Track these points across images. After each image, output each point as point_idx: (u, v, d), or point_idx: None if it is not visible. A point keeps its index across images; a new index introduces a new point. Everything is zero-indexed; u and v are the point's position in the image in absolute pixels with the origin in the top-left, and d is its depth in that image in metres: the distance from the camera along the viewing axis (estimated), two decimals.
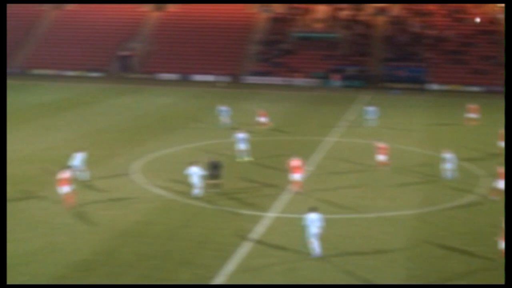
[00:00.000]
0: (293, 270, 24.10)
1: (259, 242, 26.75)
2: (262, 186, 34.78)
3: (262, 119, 51.40)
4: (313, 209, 25.36)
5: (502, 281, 20.89)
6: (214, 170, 33.33)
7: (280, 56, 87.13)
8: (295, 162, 33.39)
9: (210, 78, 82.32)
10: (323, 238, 25.23)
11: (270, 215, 30.20)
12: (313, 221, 24.90)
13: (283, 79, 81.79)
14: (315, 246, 24.93)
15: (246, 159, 40.21)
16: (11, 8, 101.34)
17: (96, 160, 38.90)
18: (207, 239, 27.12)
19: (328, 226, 25.92)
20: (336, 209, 30.98)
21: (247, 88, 76.87)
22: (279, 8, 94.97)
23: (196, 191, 32.47)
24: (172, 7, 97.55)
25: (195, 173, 32.33)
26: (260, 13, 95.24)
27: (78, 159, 34.78)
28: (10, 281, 22.77)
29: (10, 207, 31.17)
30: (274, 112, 58.34)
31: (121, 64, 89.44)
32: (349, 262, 24.68)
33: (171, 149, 43.01)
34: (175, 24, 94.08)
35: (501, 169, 30.21)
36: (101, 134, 47.49)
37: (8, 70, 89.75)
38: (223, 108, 52.17)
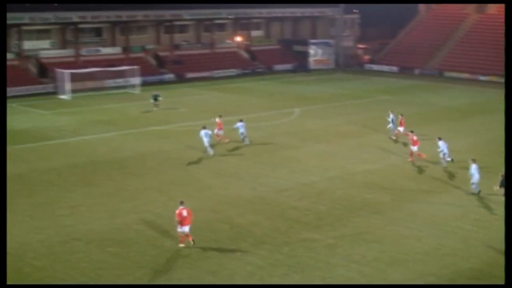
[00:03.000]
0: None
1: None
2: None
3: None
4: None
5: None
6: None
7: None
8: None
9: None
10: None
11: None
12: None
13: None
14: None
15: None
16: (438, 10, 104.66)
17: (490, 171, 37.54)
18: None
19: None
20: None
21: None
22: None
23: None
24: None
25: None
26: None
27: None
28: (373, 278, 24.09)
29: (404, 206, 32.84)
30: None
31: None
32: None
33: None
34: None
35: None
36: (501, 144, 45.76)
37: (424, 71, 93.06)
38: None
